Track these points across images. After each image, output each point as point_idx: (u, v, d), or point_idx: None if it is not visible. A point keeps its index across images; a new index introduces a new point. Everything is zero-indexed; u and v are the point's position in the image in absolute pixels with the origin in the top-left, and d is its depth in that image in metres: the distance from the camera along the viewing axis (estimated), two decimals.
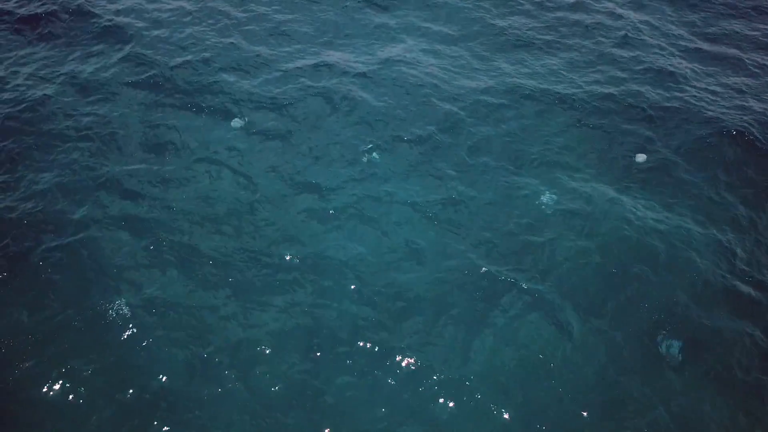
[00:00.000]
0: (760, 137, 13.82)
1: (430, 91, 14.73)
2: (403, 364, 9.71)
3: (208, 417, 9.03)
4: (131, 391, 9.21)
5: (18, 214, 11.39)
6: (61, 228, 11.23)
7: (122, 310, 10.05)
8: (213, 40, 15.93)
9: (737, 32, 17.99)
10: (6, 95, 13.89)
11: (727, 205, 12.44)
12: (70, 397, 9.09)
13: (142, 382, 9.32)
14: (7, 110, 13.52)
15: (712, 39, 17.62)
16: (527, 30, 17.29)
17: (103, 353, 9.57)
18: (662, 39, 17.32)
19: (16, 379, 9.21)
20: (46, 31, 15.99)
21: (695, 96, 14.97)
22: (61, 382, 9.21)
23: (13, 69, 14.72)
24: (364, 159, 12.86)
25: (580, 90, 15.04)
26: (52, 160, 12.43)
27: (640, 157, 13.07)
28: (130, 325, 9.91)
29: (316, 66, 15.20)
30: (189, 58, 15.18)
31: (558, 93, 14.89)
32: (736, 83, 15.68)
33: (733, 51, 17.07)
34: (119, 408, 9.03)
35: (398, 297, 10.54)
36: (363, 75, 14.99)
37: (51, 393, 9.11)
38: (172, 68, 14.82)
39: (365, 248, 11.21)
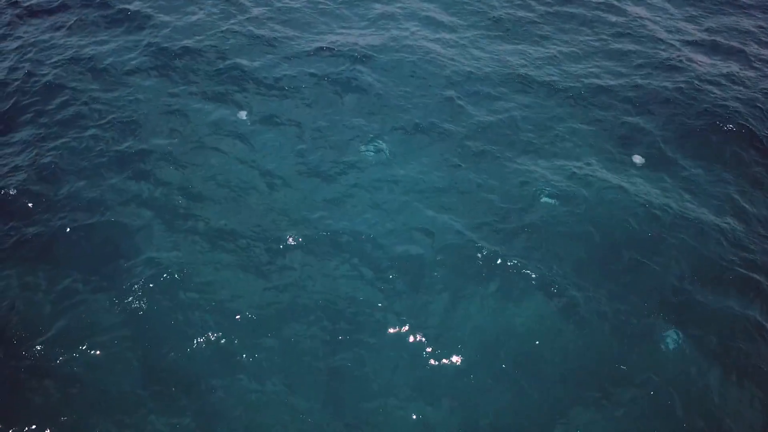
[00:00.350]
0: (758, 128, 14.08)
1: (433, 78, 15.00)
2: (409, 343, 9.94)
3: (220, 400, 9.21)
4: (147, 372, 9.40)
5: (36, 196, 11.68)
6: (80, 210, 11.50)
7: (139, 292, 10.24)
8: (222, 27, 16.24)
9: (737, 26, 18.20)
10: (23, 83, 14.19)
11: (725, 191, 12.70)
12: (88, 375, 9.30)
13: (159, 363, 9.51)
14: (23, 98, 13.83)
15: (712, 32, 17.80)
16: (528, 22, 17.52)
17: (121, 333, 9.79)
18: (662, 32, 17.52)
19: (36, 356, 9.44)
20: (61, 20, 16.30)
21: (695, 87, 15.16)
22: (79, 360, 9.43)
23: (30, 57, 15.01)
24: (369, 144, 13.10)
25: (581, 81, 15.27)
26: (70, 145, 12.71)
27: (638, 159, 13.27)
28: (148, 307, 10.13)
29: (321, 54, 15.47)
30: (198, 45, 15.48)
31: (559, 83, 15.14)
32: (736, 75, 15.88)
33: (733, 44, 17.26)
34: (136, 388, 9.24)
35: (401, 278, 10.75)
36: (367, 62, 15.24)
37: (68, 371, 9.33)
38: (182, 55, 15.13)
39: (370, 229, 11.46)
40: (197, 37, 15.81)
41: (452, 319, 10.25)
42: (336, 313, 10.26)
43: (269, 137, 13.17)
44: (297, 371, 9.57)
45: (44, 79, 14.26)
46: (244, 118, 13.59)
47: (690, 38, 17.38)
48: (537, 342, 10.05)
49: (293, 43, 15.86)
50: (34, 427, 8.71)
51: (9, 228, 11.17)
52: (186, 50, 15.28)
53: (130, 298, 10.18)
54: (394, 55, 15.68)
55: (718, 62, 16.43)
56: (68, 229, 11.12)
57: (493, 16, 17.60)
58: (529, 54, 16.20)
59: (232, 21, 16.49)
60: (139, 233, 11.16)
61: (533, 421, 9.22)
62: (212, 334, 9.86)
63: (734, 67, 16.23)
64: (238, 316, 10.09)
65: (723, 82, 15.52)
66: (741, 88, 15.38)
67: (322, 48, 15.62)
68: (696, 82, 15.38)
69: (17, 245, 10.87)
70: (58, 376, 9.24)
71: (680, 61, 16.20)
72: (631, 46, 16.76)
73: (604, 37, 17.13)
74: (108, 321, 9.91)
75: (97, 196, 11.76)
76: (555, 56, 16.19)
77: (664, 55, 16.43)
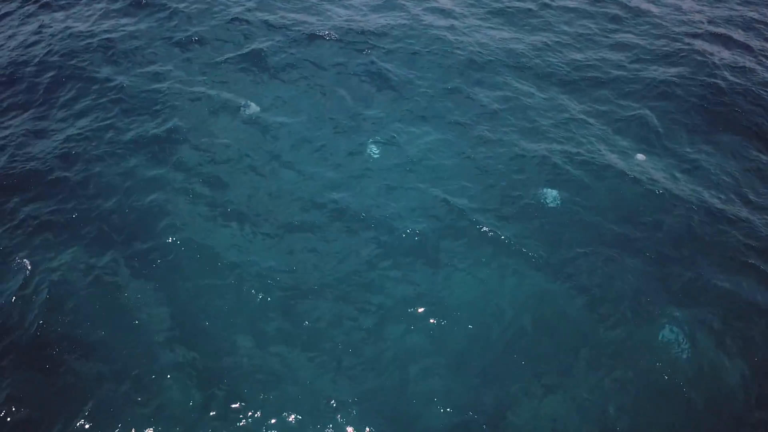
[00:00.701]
0: (760, 121, 14.33)
1: (440, 66, 15.28)
2: (419, 321, 10.17)
3: (238, 377, 9.44)
4: (169, 351, 9.63)
5: (60, 181, 12.00)
6: (103, 194, 11.79)
7: (161, 274, 10.52)
8: (234, 14, 16.54)
9: (741, 19, 18.37)
10: (48, 74, 14.46)
11: (727, 180, 12.94)
12: (112, 354, 9.56)
13: (181, 342, 9.76)
14: (48, 87, 14.12)
15: (716, 25, 17.95)
16: (532, 13, 17.75)
17: (144, 314, 10.06)
18: (666, 24, 17.70)
19: (62, 335, 9.72)
20: (83, 13, 16.62)
21: (698, 81, 15.37)
22: (102, 340, 9.71)
23: (54, 49, 15.25)
24: (377, 132, 13.36)
25: (584, 71, 15.52)
26: (93, 132, 12.99)
27: (640, 157, 13.57)
28: (170, 289, 10.40)
29: (330, 41, 15.72)
30: (211, 34, 15.82)
31: (562, 73, 15.40)
32: (740, 68, 16.04)
33: (737, 37, 17.39)
34: (158, 366, 9.46)
35: (413, 260, 11.01)
36: (374, 50, 15.50)
37: (93, 351, 9.61)
38: (198, 44, 15.45)
39: (381, 213, 11.74)
40: (211, 26, 16.10)
41: (460, 300, 10.46)
42: (348, 293, 10.51)
43: (280, 124, 13.41)
44: (310, 349, 9.82)
45: (67, 71, 14.54)
46: (256, 106, 13.85)
47: (693, 31, 17.54)
48: (539, 323, 10.24)
49: (303, 30, 16.07)
50: (60, 402, 8.97)
51: (34, 213, 11.46)
52: (201, 39, 15.61)
53: (153, 280, 10.44)
54: (401, 42, 15.93)
55: (722, 55, 16.58)
56: (92, 214, 11.43)
57: (498, 6, 17.80)
58: (534, 44, 16.41)
59: (242, 8, 16.71)
60: (160, 217, 11.42)
61: (532, 396, 9.46)
62: (231, 313, 10.13)
63: (738, 60, 16.39)
64: (255, 298, 10.37)
65: (727, 74, 15.71)
66: (744, 81, 15.56)
67: (331, 36, 15.85)
68: (699, 75, 15.57)
69: (43, 229, 11.17)
70: (84, 355, 9.50)
71: (684, 53, 16.38)
72: (634, 38, 16.96)
73: (607, 29, 17.34)
74: (131, 302, 10.17)
75: (120, 181, 12.05)
76: (558, 46, 16.41)
77: (668, 47, 16.63)
